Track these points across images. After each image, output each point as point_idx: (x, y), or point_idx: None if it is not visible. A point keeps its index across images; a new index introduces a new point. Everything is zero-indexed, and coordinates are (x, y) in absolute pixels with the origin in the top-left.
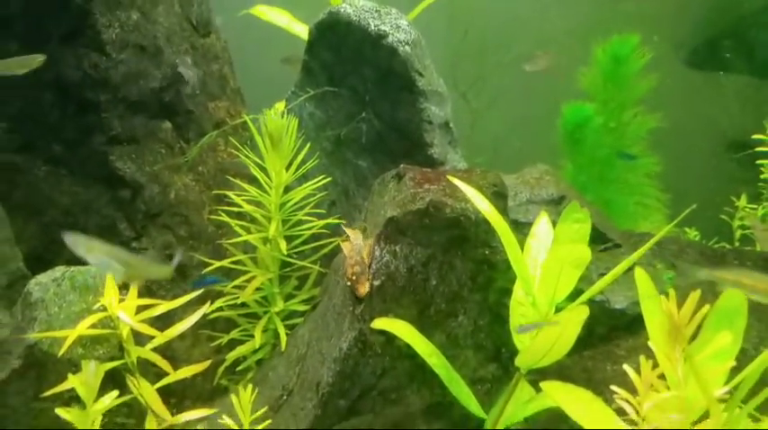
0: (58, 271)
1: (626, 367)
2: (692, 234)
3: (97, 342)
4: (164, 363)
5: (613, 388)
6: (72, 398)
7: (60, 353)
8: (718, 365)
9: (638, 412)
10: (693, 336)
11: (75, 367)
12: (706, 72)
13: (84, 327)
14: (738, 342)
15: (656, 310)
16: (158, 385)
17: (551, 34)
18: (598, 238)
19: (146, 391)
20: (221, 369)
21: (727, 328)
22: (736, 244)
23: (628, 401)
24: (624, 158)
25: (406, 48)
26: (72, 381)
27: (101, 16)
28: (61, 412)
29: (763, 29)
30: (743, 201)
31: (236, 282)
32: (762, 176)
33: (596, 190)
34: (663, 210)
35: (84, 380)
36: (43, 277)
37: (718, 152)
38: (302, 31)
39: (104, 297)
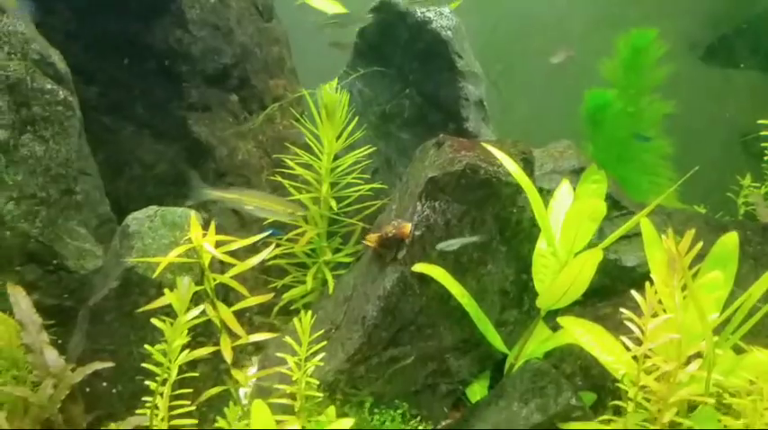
0: (151, 209)
1: (633, 292)
2: (702, 210)
3: (183, 269)
4: (241, 288)
5: (621, 310)
6: (163, 315)
7: (155, 276)
8: (711, 298)
9: (642, 332)
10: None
11: (165, 289)
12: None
13: (174, 255)
14: (730, 281)
15: (658, 249)
16: (234, 308)
17: (573, 29)
18: (614, 206)
19: (223, 312)
20: (276, 308)
21: (721, 270)
22: (740, 218)
23: (632, 321)
24: (640, 140)
25: (448, 32)
26: (168, 297)
27: None
28: (156, 322)
29: None
30: (747, 181)
31: (290, 236)
32: (765, 158)
33: (614, 168)
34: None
35: (179, 296)
36: (138, 214)
37: (727, 137)
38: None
39: (191, 232)
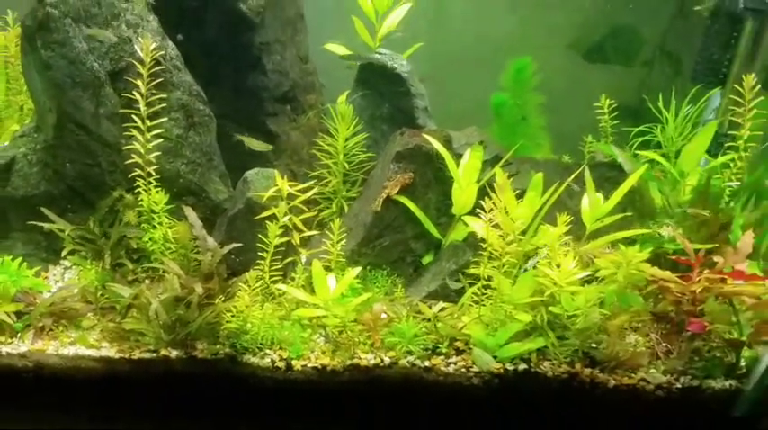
0: (256, 169)
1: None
2: (567, 157)
3: (275, 199)
4: (303, 207)
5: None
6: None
7: (263, 201)
8: (528, 205)
9: (492, 220)
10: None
11: (267, 209)
12: (592, 63)
13: (270, 192)
14: (539, 194)
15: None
16: (300, 217)
17: (493, 43)
18: (498, 161)
19: (294, 219)
20: (315, 223)
21: (534, 192)
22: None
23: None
24: (523, 120)
25: (406, 74)
26: (270, 211)
27: (265, 57)
28: (269, 224)
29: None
30: (590, 138)
31: (322, 183)
32: (599, 125)
33: (509, 139)
34: (548, 148)
35: (279, 212)
36: (251, 172)
37: (587, 114)
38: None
39: (277, 181)
